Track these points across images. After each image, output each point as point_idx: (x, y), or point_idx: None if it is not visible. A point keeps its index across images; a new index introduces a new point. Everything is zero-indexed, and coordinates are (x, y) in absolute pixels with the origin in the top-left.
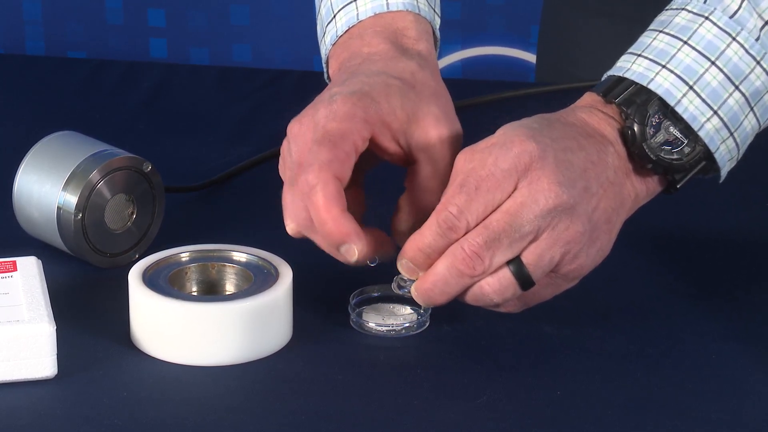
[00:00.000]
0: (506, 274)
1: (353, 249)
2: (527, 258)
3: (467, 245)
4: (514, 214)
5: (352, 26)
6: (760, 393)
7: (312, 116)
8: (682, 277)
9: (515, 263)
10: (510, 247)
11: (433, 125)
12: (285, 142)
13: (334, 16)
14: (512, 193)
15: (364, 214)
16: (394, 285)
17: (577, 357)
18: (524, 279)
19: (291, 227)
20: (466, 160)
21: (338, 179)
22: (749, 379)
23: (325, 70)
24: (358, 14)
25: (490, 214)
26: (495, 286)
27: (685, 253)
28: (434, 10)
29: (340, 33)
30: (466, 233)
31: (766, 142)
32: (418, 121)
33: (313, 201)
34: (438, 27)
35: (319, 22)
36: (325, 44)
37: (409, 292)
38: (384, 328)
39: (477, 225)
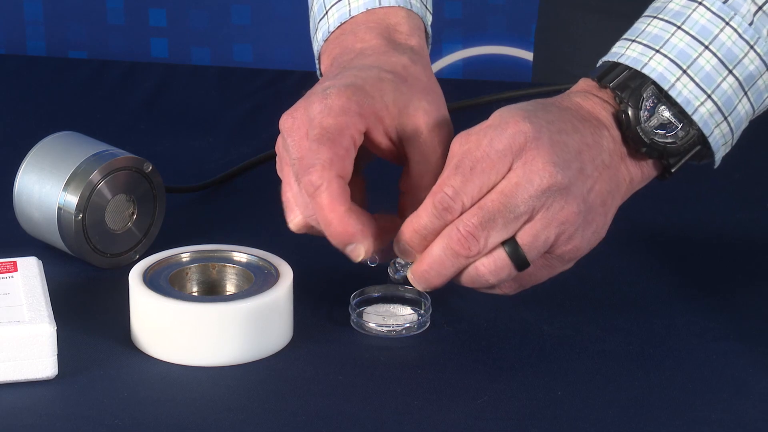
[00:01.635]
0: (501, 255)
1: (360, 248)
2: (522, 238)
3: (462, 226)
4: (509, 194)
5: (344, 22)
6: (760, 393)
7: (305, 109)
8: (682, 277)
9: (510, 244)
10: (505, 228)
11: (423, 120)
12: (279, 139)
13: (326, 13)
14: (507, 173)
15: (368, 206)
16: (390, 270)
17: (577, 357)
18: (519, 260)
19: (296, 221)
20: (461, 143)
21: (341, 177)
22: (749, 379)
23: (317, 66)
24: (350, 10)
25: (486, 194)
26: (490, 267)
27: (685, 252)
28: (426, 7)
29: (332, 29)
30: (461, 214)
31: (764, 141)
32: (409, 116)
33: (317, 201)
34: (430, 23)
35: (311, 18)
36: (317, 41)
37: (406, 277)
38: (384, 329)
39: (472, 206)
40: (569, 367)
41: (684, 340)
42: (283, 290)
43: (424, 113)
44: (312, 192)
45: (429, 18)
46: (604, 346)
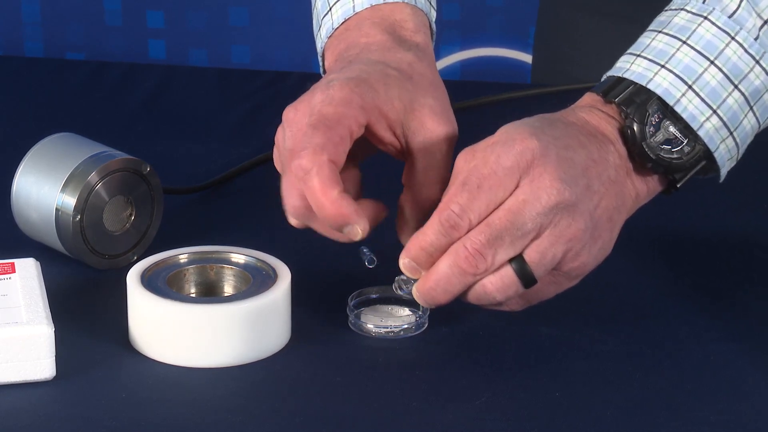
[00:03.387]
0: (509, 272)
1: (356, 229)
2: (530, 256)
3: (470, 243)
4: (516, 211)
5: (349, 18)
6: (760, 393)
7: (308, 102)
8: (680, 278)
9: (518, 261)
10: (512, 245)
11: (429, 117)
12: (280, 129)
13: (330, 9)
14: (514, 190)
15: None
16: (395, 286)
17: (576, 358)
18: (527, 277)
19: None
20: (467, 159)
21: (333, 162)
22: (748, 379)
23: (320, 63)
24: (354, 6)
25: (493, 212)
26: (497, 285)
27: (683, 254)
28: (430, 3)
29: (336, 25)
30: (468, 231)
31: (765, 144)
32: (415, 112)
33: (309, 186)
34: (434, 20)
35: (314, 15)
36: (321, 37)
37: (411, 293)
38: (382, 330)
39: (479, 223)
40: (567, 368)
41: (682, 341)
42: (281, 291)
43: (429, 110)
44: (302, 176)
45: (433, 14)
46: (603, 347)
